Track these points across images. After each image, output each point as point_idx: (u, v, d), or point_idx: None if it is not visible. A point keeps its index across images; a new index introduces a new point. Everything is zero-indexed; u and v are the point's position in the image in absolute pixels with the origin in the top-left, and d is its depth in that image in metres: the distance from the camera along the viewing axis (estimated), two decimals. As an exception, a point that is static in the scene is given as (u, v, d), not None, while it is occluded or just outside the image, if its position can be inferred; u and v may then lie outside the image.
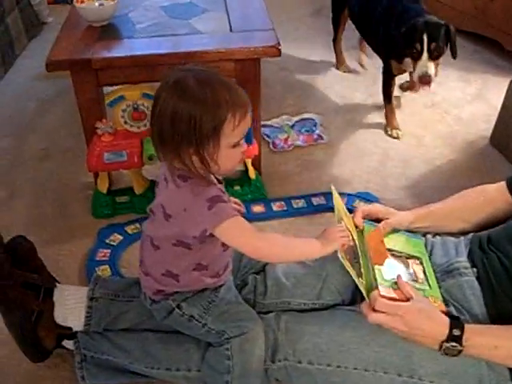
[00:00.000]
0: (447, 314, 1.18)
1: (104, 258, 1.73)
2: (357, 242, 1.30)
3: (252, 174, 2.00)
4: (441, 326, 1.14)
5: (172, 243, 1.19)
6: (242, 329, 1.25)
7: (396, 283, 1.21)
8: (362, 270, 1.25)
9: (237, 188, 2.00)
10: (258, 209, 1.93)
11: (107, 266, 1.69)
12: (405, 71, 2.30)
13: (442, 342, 1.14)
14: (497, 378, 1.20)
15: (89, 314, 1.36)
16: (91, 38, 1.85)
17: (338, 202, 1.34)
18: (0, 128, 2.46)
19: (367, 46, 2.61)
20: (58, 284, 1.38)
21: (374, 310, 1.17)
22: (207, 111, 1.07)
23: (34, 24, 3.17)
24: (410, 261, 1.30)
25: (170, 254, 1.21)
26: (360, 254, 1.27)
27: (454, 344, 1.13)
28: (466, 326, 1.14)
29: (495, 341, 1.15)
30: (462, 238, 1.42)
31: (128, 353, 1.32)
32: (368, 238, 1.32)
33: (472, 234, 1.42)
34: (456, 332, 1.13)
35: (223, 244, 1.22)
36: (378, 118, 2.43)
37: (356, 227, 1.35)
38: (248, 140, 1.86)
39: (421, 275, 1.27)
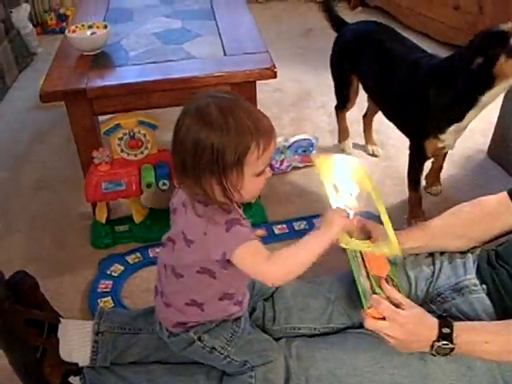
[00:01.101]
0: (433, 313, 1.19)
1: (106, 290, 1.70)
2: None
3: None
4: (431, 327, 1.14)
5: (196, 270, 1.16)
6: (265, 358, 1.23)
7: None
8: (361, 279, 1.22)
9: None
10: (260, 233, 1.90)
11: (109, 298, 1.67)
12: (443, 149, 1.90)
13: (433, 341, 1.13)
14: None
15: (95, 349, 1.32)
16: (84, 67, 1.84)
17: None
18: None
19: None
20: (61, 319, 1.35)
21: (372, 317, 1.16)
22: (230, 141, 1.03)
23: (24, 55, 3.17)
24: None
25: (194, 282, 1.18)
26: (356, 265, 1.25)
27: (444, 342, 1.12)
28: (456, 323, 1.14)
29: (486, 336, 1.14)
30: (470, 254, 1.39)
31: (136, 387, 1.29)
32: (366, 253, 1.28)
33: (480, 249, 1.40)
34: (445, 330, 1.13)
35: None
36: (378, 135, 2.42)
37: None
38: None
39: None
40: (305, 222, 1.95)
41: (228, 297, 1.20)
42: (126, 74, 1.81)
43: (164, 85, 1.75)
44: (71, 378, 1.34)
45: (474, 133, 2.40)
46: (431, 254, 1.43)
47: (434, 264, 1.40)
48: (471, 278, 1.31)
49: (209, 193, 1.08)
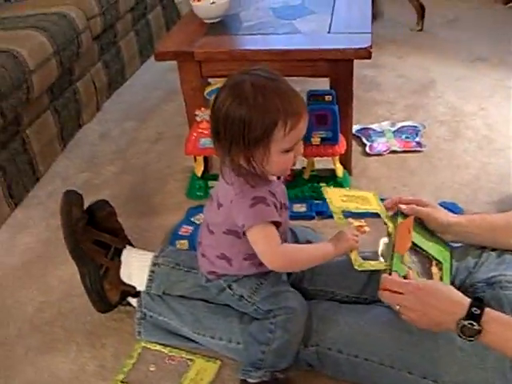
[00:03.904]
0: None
1: (185, 234, 1.88)
2: (390, 225, 1.34)
3: (339, 171, 2.04)
4: (460, 303, 1.11)
5: (223, 231, 1.30)
6: (287, 310, 1.31)
7: (405, 277, 1.22)
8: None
9: (322, 184, 2.05)
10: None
11: (186, 241, 1.84)
12: None
13: (460, 319, 1.09)
14: None
15: (151, 277, 1.50)
16: (200, 33, 2.02)
17: (335, 200, 1.36)
18: (128, 111, 2.75)
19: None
20: (127, 246, 1.54)
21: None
22: (258, 116, 1.13)
23: (174, 20, 3.44)
24: (431, 261, 1.29)
25: (222, 240, 1.32)
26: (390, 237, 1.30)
27: (472, 322, 1.07)
28: (487, 309, 1.09)
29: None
30: None
31: (181, 317, 1.45)
32: (398, 226, 1.33)
33: None
34: (476, 311, 1.08)
35: None
36: (484, 130, 2.36)
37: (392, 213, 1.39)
38: (334, 139, 1.93)
39: (436, 277, 1.26)
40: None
41: (251, 257, 1.31)
42: (231, 43, 1.96)
43: (263, 55, 1.87)
44: (129, 299, 1.54)
45: None
46: (482, 248, 1.42)
47: (480, 256, 1.39)
48: (508, 274, 1.29)
49: (236, 164, 1.19)
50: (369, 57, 1.82)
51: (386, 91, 2.73)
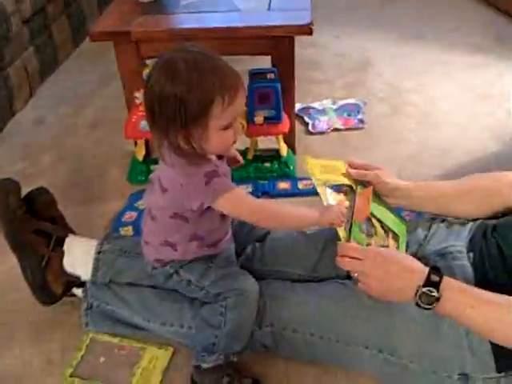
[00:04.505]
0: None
1: (129, 220, 1.83)
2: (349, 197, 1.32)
3: (283, 151, 2.03)
4: (419, 270, 1.11)
5: (169, 215, 1.25)
6: (237, 292, 1.28)
7: (368, 245, 1.21)
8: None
9: (266, 164, 2.04)
10: (283, 186, 1.96)
11: (130, 227, 1.79)
12: None
13: (419, 286, 1.08)
14: (480, 367, 1.17)
15: (96, 266, 1.44)
16: (136, 13, 1.95)
17: (316, 172, 1.34)
18: (63, 97, 2.64)
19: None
20: (69, 234, 1.48)
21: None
22: (193, 94, 1.09)
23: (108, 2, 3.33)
24: (387, 233, 1.30)
25: (166, 225, 1.27)
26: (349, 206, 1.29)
27: (431, 289, 1.07)
28: (446, 277, 1.09)
29: (473, 301, 1.07)
30: (470, 223, 1.38)
31: (129, 305, 1.40)
32: (357, 195, 1.33)
33: (480, 221, 1.38)
34: (434, 278, 1.08)
35: (222, 215, 1.26)
36: (423, 106, 2.40)
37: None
38: (277, 117, 1.91)
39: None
40: (330, 182, 1.97)
41: (197, 238, 1.27)
42: (169, 22, 1.91)
43: (203, 34, 1.82)
44: (74, 290, 1.48)
45: None
46: (432, 219, 1.43)
47: (430, 228, 1.41)
48: (458, 244, 1.31)
49: (174, 145, 1.14)
50: (310, 33, 1.81)
51: (325, 70, 2.74)
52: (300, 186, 1.97)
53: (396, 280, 1.12)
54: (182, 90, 1.09)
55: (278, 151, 2.04)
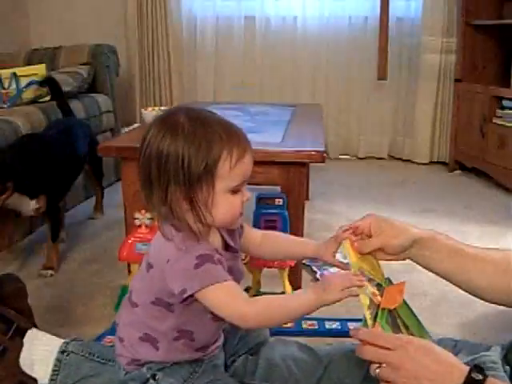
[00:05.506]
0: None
1: (108, 344, 1.61)
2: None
3: (288, 290, 1.87)
4: (458, 367, 0.92)
5: (151, 301, 1.07)
6: None
7: None
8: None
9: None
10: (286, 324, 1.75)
11: (108, 351, 1.57)
12: None
13: None
14: None
15: (56, 368, 1.22)
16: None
17: (353, 255, 1.19)
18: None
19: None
20: (33, 328, 1.27)
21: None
22: (198, 148, 0.97)
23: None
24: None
25: (147, 313, 1.09)
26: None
27: None
28: (491, 378, 0.91)
29: None
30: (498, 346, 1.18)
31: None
32: (386, 288, 1.14)
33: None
34: (477, 376, 0.89)
35: (214, 314, 1.06)
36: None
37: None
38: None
39: None
40: (338, 323, 1.78)
41: (184, 335, 1.07)
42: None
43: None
44: (27, 397, 1.23)
45: None
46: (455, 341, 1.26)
47: (455, 346, 1.22)
48: (492, 355, 1.11)
49: (176, 211, 0.99)
50: (322, 160, 1.75)
51: (336, 230, 2.65)
52: (304, 325, 1.77)
53: (429, 376, 0.91)
54: (183, 144, 0.97)
55: (282, 293, 1.87)
